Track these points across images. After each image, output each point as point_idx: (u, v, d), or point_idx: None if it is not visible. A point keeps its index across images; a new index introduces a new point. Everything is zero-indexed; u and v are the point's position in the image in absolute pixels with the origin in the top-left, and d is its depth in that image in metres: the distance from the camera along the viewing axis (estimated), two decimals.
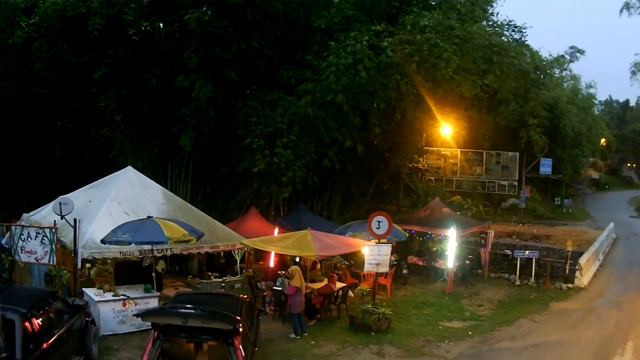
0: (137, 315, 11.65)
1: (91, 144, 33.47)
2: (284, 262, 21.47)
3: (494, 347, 16.55)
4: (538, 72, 40.65)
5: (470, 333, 17.89)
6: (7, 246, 18.37)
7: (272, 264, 21.82)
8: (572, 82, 49.80)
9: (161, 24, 25.41)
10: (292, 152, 23.50)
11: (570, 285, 24.19)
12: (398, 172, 31.30)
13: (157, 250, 18.02)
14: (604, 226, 36.66)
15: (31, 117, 30.42)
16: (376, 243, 18.23)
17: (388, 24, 23.67)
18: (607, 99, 69.53)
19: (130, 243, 16.56)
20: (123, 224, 17.18)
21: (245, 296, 15.75)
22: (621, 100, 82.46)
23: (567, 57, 44.88)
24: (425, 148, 34.57)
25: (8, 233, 19.18)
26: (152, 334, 11.15)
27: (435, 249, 24.74)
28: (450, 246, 22.94)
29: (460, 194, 38.97)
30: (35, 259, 16.86)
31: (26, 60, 26.33)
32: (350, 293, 19.63)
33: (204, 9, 24.20)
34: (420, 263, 24.84)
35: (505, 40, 27.76)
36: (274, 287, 18.81)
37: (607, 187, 65.19)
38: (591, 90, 51.85)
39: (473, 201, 37.78)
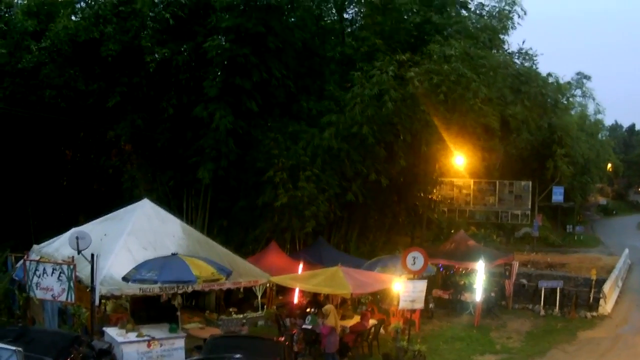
0: None
1: (100, 174, 32.44)
2: (312, 298, 21.13)
3: None
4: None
5: None
6: (17, 278, 17.94)
7: (296, 300, 21.54)
8: (579, 108, 50.21)
9: (178, 52, 24.90)
10: (315, 185, 23.26)
11: (594, 314, 24.28)
12: (414, 204, 31.21)
13: (178, 287, 16.94)
14: (616, 252, 36.70)
15: (39, 145, 29.87)
16: (408, 279, 18.17)
17: (412, 54, 23.65)
18: (612, 124, 70.26)
19: (156, 282, 16.07)
20: (146, 262, 16.72)
21: (281, 339, 15.58)
22: (627, 124, 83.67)
23: (574, 82, 44.75)
24: (440, 179, 34.44)
25: (20, 265, 18.64)
26: None
27: (462, 282, 24.56)
28: (479, 279, 22.78)
29: (473, 224, 38.91)
30: (52, 296, 16.03)
31: (35, 86, 26.01)
32: (382, 330, 19.41)
33: (220, 36, 23.95)
34: (445, 296, 24.65)
35: (530, 68, 27.71)
36: (304, 326, 18.33)
37: (614, 212, 65.45)
38: (599, 116, 52.38)
39: (486, 231, 37.72)
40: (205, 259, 17.30)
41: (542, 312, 24.68)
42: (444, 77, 22.45)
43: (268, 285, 21.01)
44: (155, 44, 24.34)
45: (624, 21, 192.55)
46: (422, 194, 31.37)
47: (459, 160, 31.30)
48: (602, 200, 68.61)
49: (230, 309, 21.29)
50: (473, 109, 22.79)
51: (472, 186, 40.16)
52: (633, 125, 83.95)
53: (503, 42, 29.68)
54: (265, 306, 22.18)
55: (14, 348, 9.68)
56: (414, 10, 26.77)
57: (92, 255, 16.05)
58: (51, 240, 20.75)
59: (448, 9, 27.73)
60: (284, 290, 22.81)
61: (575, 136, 44.54)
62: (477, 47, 25.00)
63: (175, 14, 24.16)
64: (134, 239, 18.71)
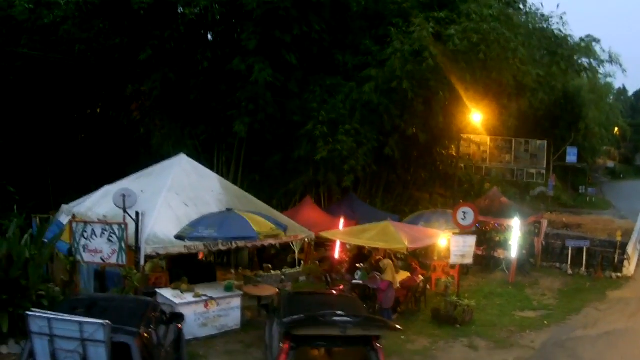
0: (286, 327, 10.40)
1: (121, 130, 32.15)
2: (357, 253, 21.45)
3: (571, 337, 17.07)
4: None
5: (545, 322, 18.42)
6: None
7: (337, 255, 21.87)
8: (589, 70, 50.51)
9: (212, 4, 24.57)
10: (354, 139, 23.39)
11: (619, 275, 24.88)
12: (434, 160, 31.69)
13: (223, 244, 17.03)
14: (627, 215, 37.16)
15: (58, 104, 29.63)
16: (455, 234, 18.72)
17: (451, 12, 23.85)
18: (619, 88, 70.69)
19: (216, 239, 15.99)
20: (201, 218, 16.44)
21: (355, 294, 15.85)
22: (632, 89, 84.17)
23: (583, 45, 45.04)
24: (461, 135, 34.81)
25: (51, 225, 18.08)
26: (284, 344, 10.34)
27: (498, 238, 25.14)
28: (514, 236, 23.41)
29: (489, 181, 39.42)
30: (101, 258, 15.39)
31: (56, 43, 26.04)
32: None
33: None
34: (479, 252, 25.17)
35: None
36: (355, 281, 18.48)
37: (622, 175, 66.41)
38: (609, 79, 52.74)
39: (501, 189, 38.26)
40: (260, 214, 17.17)
41: (570, 271, 25.27)
42: (483, 36, 22.77)
43: (306, 240, 21.03)
44: None
45: None
46: (443, 151, 31.96)
47: (477, 117, 31.71)
48: (610, 163, 69.61)
49: (264, 265, 21.11)
50: (512, 68, 23.16)
51: (489, 143, 40.66)
52: None
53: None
54: (302, 262, 22.29)
55: (100, 322, 9.01)
56: None
57: (137, 213, 15.76)
58: (81, 199, 20.42)
59: None
60: (327, 247, 23.10)
61: (587, 98, 45.12)
62: (510, 7, 25.31)
63: None
64: (174, 195, 18.44)
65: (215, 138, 26.72)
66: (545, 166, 42.42)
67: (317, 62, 25.75)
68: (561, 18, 27.76)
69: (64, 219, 19.25)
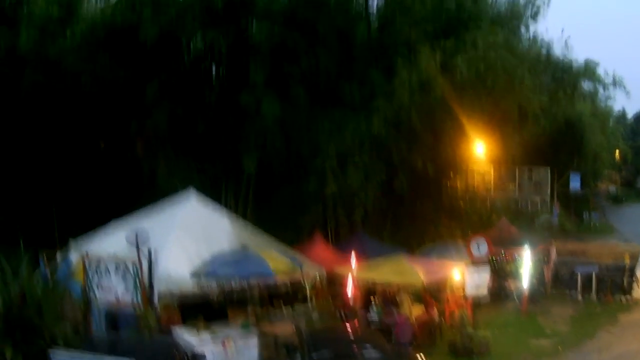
0: None
1: (126, 167, 31.75)
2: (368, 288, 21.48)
3: None
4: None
5: (560, 348, 18.75)
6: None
7: (350, 292, 21.68)
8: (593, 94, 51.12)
9: (221, 38, 24.95)
10: (364, 173, 23.76)
11: (629, 297, 25.25)
12: (439, 193, 31.98)
13: (236, 282, 17.02)
14: (632, 239, 37.65)
15: (62, 137, 29.54)
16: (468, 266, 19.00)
17: (454, 40, 24.29)
18: (619, 111, 71.53)
19: (232, 277, 16.10)
20: (217, 256, 16.70)
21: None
22: (634, 111, 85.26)
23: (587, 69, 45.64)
24: (465, 167, 35.09)
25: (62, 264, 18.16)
26: None
27: (509, 268, 25.34)
28: (525, 265, 23.63)
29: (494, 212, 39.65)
30: (115, 296, 15.26)
31: (61, 75, 26.19)
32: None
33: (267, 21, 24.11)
34: (490, 283, 25.35)
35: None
36: (369, 316, 18.77)
37: (623, 199, 66.93)
38: (609, 102, 53.29)
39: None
40: (275, 251, 17.47)
41: (580, 297, 25.47)
42: (489, 64, 23.23)
43: (317, 277, 20.87)
44: (198, 27, 24.54)
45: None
46: (448, 182, 32.23)
47: (481, 147, 32.03)
48: (612, 187, 70.26)
49: (276, 303, 20.39)
50: (518, 96, 23.57)
51: (492, 172, 40.97)
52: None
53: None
54: (313, 299, 21.90)
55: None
56: None
57: (149, 251, 15.45)
58: (90, 235, 20.26)
59: None
60: (331, 282, 23.11)
61: (588, 123, 45.60)
62: (514, 35, 25.79)
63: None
64: (184, 233, 18.28)
65: (223, 173, 26.91)
66: (549, 194, 42.66)
67: (324, 94, 26.03)
68: (566, 43, 28.35)
69: (73, 256, 18.96)
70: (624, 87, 38.23)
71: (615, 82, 28.44)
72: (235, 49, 25.32)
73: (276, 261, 16.65)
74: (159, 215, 19.33)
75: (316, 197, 24.88)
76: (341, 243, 25.05)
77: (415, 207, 30.72)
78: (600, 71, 35.41)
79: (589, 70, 27.79)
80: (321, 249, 23.12)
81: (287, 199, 26.18)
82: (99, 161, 32.17)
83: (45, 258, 19.76)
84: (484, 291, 19.13)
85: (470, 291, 18.74)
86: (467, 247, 19.03)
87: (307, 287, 21.08)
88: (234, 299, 20.72)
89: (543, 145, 41.76)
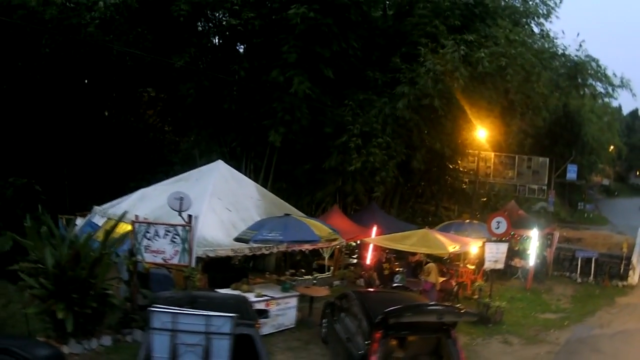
0: (387, 317, 12.06)
1: (138, 135, 34.48)
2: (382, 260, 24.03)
3: (590, 334, 20.28)
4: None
5: (565, 323, 21.53)
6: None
7: (368, 261, 24.20)
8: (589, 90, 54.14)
9: (253, 18, 26.52)
10: (385, 152, 26.06)
11: (625, 283, 28.47)
12: (444, 174, 34.78)
13: (265, 248, 18.66)
14: (625, 231, 40.50)
15: (77, 108, 31.36)
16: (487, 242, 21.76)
17: (479, 36, 26.73)
18: (615, 107, 74.49)
19: (282, 242, 17.41)
20: (262, 222, 18.13)
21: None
22: (629, 109, 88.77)
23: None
24: (468, 151, 37.49)
25: (81, 224, 19.91)
26: (377, 333, 12.18)
27: (517, 248, 28.22)
28: (533, 245, 26.54)
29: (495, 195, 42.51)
30: (163, 258, 16.22)
31: (80, 43, 27.78)
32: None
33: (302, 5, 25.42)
34: None
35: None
36: (395, 284, 21.07)
37: (616, 193, 70.56)
38: (606, 99, 56.44)
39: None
40: (314, 219, 19.44)
41: (579, 280, 28.67)
42: (510, 59, 25.70)
43: (337, 247, 23.43)
44: (232, 6, 26.44)
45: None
46: (453, 165, 35.02)
47: (485, 134, 34.73)
48: (605, 181, 73.95)
49: (290, 271, 22.34)
50: (535, 91, 26.28)
51: (493, 159, 43.83)
52: (636, 110, 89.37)
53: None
54: (332, 268, 24.51)
55: (228, 315, 9.94)
56: None
57: (190, 216, 16.58)
58: (115, 202, 22.01)
59: None
60: (361, 253, 25.68)
61: (587, 117, 48.87)
62: (531, 32, 28.35)
63: None
64: (216, 200, 19.91)
65: (244, 146, 29.04)
66: (546, 182, 45.75)
67: (351, 77, 28.27)
68: (580, 45, 30.87)
69: (98, 219, 21.29)
70: (631, 89, 40.92)
71: (623, 84, 30.89)
72: (267, 27, 26.97)
73: (319, 228, 18.14)
74: (187, 183, 20.97)
75: (337, 172, 26.98)
76: (356, 216, 27.52)
77: (419, 187, 33.92)
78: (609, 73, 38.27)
79: (600, 71, 30.28)
80: (340, 221, 24.69)
81: (307, 173, 28.12)
82: (111, 130, 34.08)
83: (64, 221, 22.16)
84: (500, 265, 21.65)
85: (488, 265, 21.39)
86: (488, 224, 21.59)
87: (326, 256, 24.02)
88: (249, 265, 23.46)
89: (542, 136, 44.87)
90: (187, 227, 16.24)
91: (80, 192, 29.23)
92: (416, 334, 13.17)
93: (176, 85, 28.70)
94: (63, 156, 31.12)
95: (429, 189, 35.73)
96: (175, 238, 16.20)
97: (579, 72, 27.48)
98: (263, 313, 14.45)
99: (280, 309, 17.21)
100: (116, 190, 24.51)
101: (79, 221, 21.48)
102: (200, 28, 28.24)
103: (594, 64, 30.04)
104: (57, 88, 29.97)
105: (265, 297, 16.95)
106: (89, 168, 31.54)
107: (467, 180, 41.20)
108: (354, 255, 27.47)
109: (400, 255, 24.89)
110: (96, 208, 22.26)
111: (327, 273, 24.24)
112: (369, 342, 12.34)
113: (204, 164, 23.80)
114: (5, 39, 27.64)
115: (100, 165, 31.83)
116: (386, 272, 23.23)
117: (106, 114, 35.66)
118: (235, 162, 27.91)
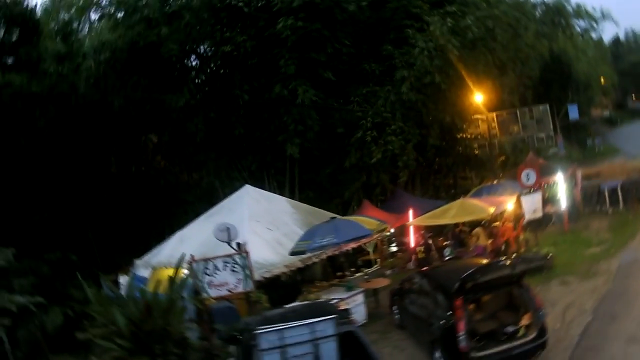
0: (464, 282, 12.91)
1: (152, 182, 34.78)
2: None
3: (637, 256, 21.80)
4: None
5: (611, 252, 22.92)
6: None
7: (412, 243, 25.33)
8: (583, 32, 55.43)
9: (243, 41, 27.64)
10: (402, 137, 27.37)
11: None
12: (463, 146, 36.33)
13: (315, 256, 19.09)
14: (637, 155, 41.55)
15: (87, 165, 31.96)
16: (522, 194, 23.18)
17: (461, 5, 28.03)
18: (597, 40, 75.88)
19: (337, 244, 17.95)
20: (312, 230, 18.50)
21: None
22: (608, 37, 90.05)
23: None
24: (472, 116, 38.41)
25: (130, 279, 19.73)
26: (457, 300, 12.99)
27: (546, 195, 29.47)
28: (561, 189, 27.84)
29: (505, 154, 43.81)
30: (228, 290, 16.55)
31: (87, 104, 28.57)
32: None
33: (288, 17, 26.57)
34: None
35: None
36: (447, 257, 22.51)
37: (618, 121, 72.25)
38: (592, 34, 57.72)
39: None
40: (361, 215, 20.66)
41: (610, 211, 29.96)
42: (496, 20, 27.20)
43: (378, 240, 24.24)
44: (220, 34, 27.52)
45: None
46: (461, 134, 36.39)
47: (484, 97, 36.13)
48: (605, 112, 75.68)
49: (338, 274, 22.88)
50: (526, 44, 27.70)
51: (495, 119, 45.13)
52: (617, 37, 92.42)
53: None
54: (378, 260, 25.58)
55: (330, 317, 10.50)
56: None
57: (239, 244, 17.04)
58: (155, 251, 22.40)
59: None
60: (403, 239, 26.67)
61: (574, 56, 50.32)
62: None
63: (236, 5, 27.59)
64: (255, 223, 20.24)
65: (263, 166, 29.93)
66: (551, 128, 47.07)
67: (350, 74, 29.35)
68: None
69: (142, 272, 21.39)
70: (613, 19, 41.87)
71: (604, 16, 32.20)
72: (259, 47, 28.02)
73: (367, 222, 19.08)
74: (221, 214, 21.35)
75: (358, 168, 28.18)
76: (386, 206, 28.74)
77: (442, 162, 35.21)
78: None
79: (580, 9, 31.50)
80: (375, 214, 25.69)
81: (330, 176, 29.20)
82: (127, 183, 34.52)
83: (109, 283, 22.38)
84: (539, 214, 23.16)
85: (528, 216, 22.81)
86: (518, 177, 23.11)
87: (370, 250, 24.66)
88: (297, 279, 22.72)
89: (537, 86, 46.19)
90: (244, 254, 16.66)
91: (108, 251, 29.49)
92: (491, 292, 14.06)
93: (182, 125, 29.67)
94: (84, 221, 31.13)
95: (445, 162, 36.68)
96: (235, 267, 16.59)
97: (560, 14, 28.68)
98: (347, 312, 14.87)
99: (351, 307, 17.42)
100: (141, 242, 25.18)
101: (122, 279, 21.81)
102: (193, 63, 29.39)
103: (573, 1, 31.34)
104: (61, 157, 30.44)
105: (335, 299, 17.15)
106: (110, 227, 31.73)
107: (476, 145, 42.62)
108: (391, 244, 28.25)
109: (440, 231, 26.02)
110: (138, 262, 22.40)
111: (376, 266, 25.24)
112: (451, 311, 13.08)
113: (227, 193, 24.45)
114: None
115: (120, 221, 32.05)
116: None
117: (114, 170, 36.02)
118: (257, 183, 27.99)
